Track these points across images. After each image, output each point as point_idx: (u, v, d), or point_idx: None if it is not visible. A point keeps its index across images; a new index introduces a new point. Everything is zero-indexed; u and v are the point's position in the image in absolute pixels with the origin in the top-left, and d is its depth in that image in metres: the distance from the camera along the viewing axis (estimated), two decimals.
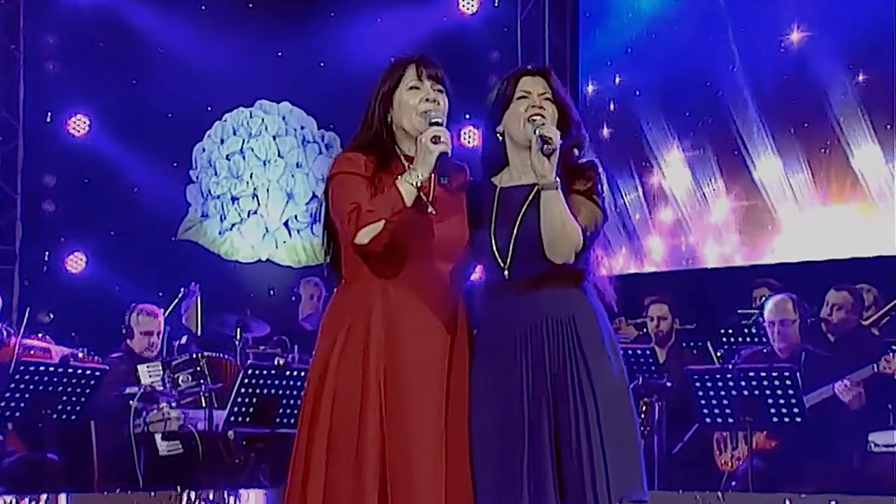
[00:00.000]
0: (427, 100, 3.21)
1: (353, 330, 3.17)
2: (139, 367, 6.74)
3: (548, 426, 3.11)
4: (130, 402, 6.45)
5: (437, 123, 3.14)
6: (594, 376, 3.13)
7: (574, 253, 3.14)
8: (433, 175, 3.21)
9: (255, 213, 9.89)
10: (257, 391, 6.29)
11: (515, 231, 3.18)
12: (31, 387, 6.07)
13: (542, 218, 3.12)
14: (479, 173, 3.37)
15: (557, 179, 3.11)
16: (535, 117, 3.20)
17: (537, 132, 3.12)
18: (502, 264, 3.18)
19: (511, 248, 3.18)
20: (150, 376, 6.73)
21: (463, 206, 3.28)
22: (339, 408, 3.14)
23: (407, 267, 3.18)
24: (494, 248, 3.19)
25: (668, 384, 6.51)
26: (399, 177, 3.11)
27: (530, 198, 3.18)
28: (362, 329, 3.16)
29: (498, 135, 3.29)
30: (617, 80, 9.66)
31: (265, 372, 6.34)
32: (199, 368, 6.77)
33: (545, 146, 3.08)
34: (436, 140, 3.09)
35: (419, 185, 3.10)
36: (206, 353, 6.99)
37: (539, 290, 3.18)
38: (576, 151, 3.30)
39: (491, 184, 3.31)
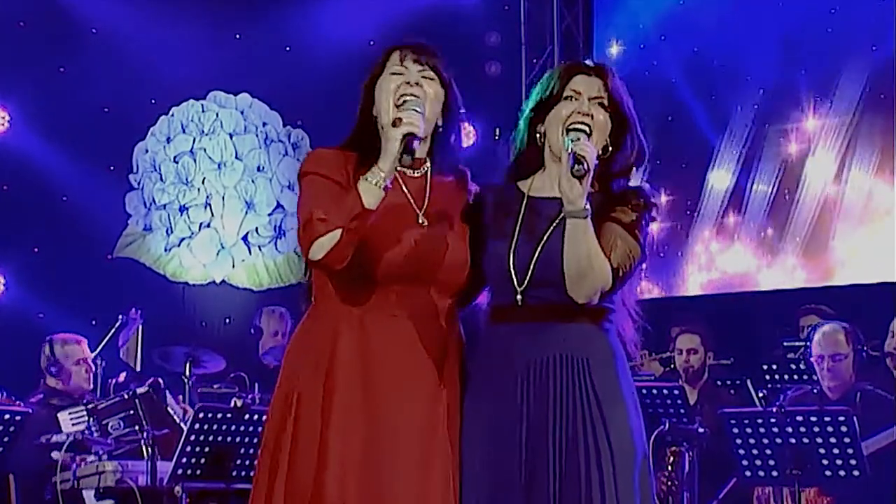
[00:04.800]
0: (408, 83, 3.25)
1: (317, 363, 3.19)
2: (59, 414, 6.73)
3: (551, 484, 3.11)
4: (55, 452, 6.44)
5: (413, 111, 3.17)
6: (611, 430, 3.14)
7: (599, 294, 3.16)
8: (426, 179, 3.25)
9: (208, 225, 9.90)
10: (210, 438, 6.29)
11: (538, 252, 3.20)
12: None
13: (566, 251, 3.13)
14: (504, 173, 3.39)
15: (588, 207, 3.11)
16: (577, 125, 3.21)
17: (570, 149, 3.13)
18: (518, 287, 3.20)
19: (531, 270, 3.20)
20: (72, 424, 6.72)
21: (462, 221, 3.30)
22: (298, 456, 3.15)
23: (386, 291, 3.19)
24: (512, 265, 3.21)
25: (701, 430, 6.52)
26: (361, 177, 3.13)
27: (561, 215, 3.18)
28: (327, 363, 3.18)
29: (538, 134, 3.31)
30: (638, 66, 9.72)
31: (219, 415, 6.33)
32: (132, 411, 6.75)
33: (576, 166, 3.08)
34: (396, 123, 3.12)
35: (384, 181, 3.10)
36: (141, 392, 6.95)
37: (552, 321, 3.20)
38: (632, 173, 3.33)
39: (517, 189, 3.33)
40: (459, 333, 3.31)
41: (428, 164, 3.32)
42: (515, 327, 3.22)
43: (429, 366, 3.20)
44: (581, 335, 3.21)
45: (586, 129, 3.21)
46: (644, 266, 3.34)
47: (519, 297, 3.21)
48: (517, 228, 3.25)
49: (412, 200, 3.25)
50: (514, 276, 3.21)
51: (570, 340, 3.19)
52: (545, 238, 3.21)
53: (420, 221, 3.24)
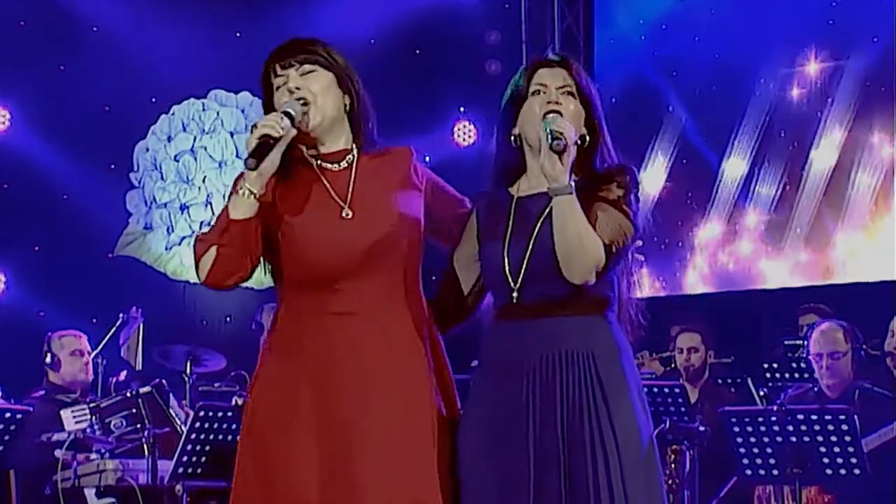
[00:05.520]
0: (289, 90, 3.20)
1: (276, 372, 3.22)
2: (62, 412, 6.75)
3: (560, 482, 3.11)
4: (57, 451, 6.45)
5: (284, 113, 3.13)
6: (617, 424, 3.12)
7: (594, 272, 3.14)
8: (351, 170, 3.22)
9: (209, 224, 9.89)
10: (211, 437, 6.30)
11: (530, 247, 3.20)
12: None
13: (555, 229, 3.13)
14: (490, 181, 3.37)
15: (572, 184, 3.12)
16: (549, 115, 3.21)
17: (547, 128, 3.13)
18: (512, 284, 3.20)
19: (524, 266, 3.20)
20: (75, 422, 6.73)
21: (409, 196, 3.27)
22: (253, 462, 3.19)
23: (329, 290, 3.16)
24: (506, 265, 3.21)
25: (701, 429, 6.52)
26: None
27: (548, 208, 3.19)
28: (283, 371, 3.20)
29: (513, 138, 3.30)
30: (640, 65, 9.73)
31: (220, 414, 6.34)
32: (134, 410, 6.76)
33: (555, 142, 3.09)
34: (252, 129, 3.10)
35: (249, 191, 3.07)
36: (144, 392, 6.97)
37: (553, 316, 3.19)
38: (606, 154, 3.32)
39: (507, 194, 3.33)
40: (428, 318, 3.27)
41: (354, 151, 3.28)
42: (518, 325, 3.21)
43: (391, 358, 3.17)
44: (584, 329, 3.19)
45: (559, 115, 3.21)
46: (643, 260, 3.33)
47: (515, 294, 3.20)
48: (509, 229, 3.25)
49: (334, 195, 3.21)
50: (508, 276, 3.21)
51: (574, 335, 3.18)
52: (536, 231, 3.21)
53: (344, 215, 3.19)
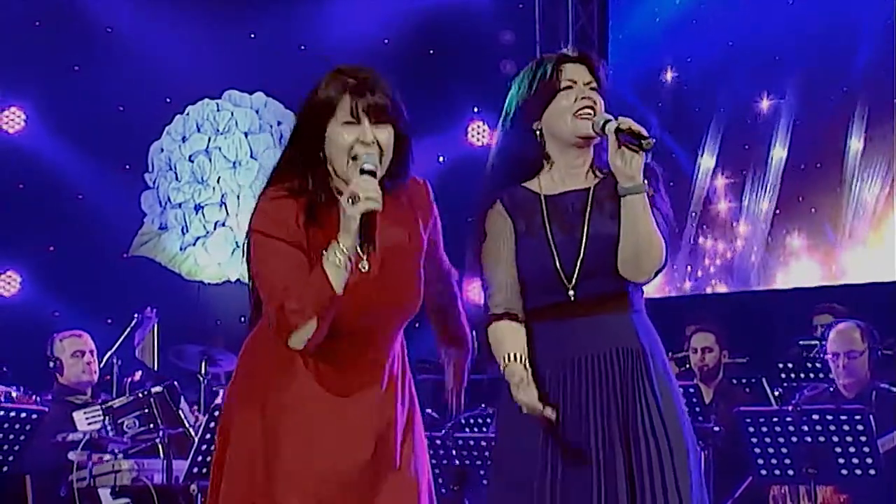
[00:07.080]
0: (362, 142, 3.05)
1: (263, 416, 3.15)
2: (74, 413, 6.76)
3: (625, 482, 3.11)
4: (71, 453, 6.46)
5: (368, 172, 3.00)
6: (667, 419, 3.16)
7: (656, 271, 3.17)
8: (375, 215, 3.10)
9: (224, 224, 9.92)
10: None
11: (583, 245, 3.19)
12: None
13: (625, 228, 3.13)
14: (501, 176, 3.34)
15: (646, 182, 3.13)
16: (586, 111, 3.21)
17: (616, 128, 3.12)
18: (567, 283, 3.19)
19: (579, 264, 3.19)
20: (87, 423, 6.74)
21: (419, 244, 3.19)
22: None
23: (333, 341, 3.07)
24: (558, 265, 3.20)
25: (716, 429, 6.52)
26: (324, 253, 2.98)
27: (590, 204, 3.21)
28: (272, 420, 3.13)
29: (536, 132, 3.29)
30: (654, 65, 9.72)
31: None
32: (146, 410, 6.77)
33: (644, 140, 3.08)
34: (353, 199, 2.95)
35: (346, 261, 2.97)
36: (156, 392, 6.97)
37: (602, 313, 3.20)
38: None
39: (529, 191, 3.31)
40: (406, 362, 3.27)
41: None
42: (570, 323, 3.21)
43: (380, 410, 3.15)
44: (631, 325, 3.22)
45: (594, 113, 3.22)
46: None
47: (571, 292, 3.19)
48: (548, 229, 3.24)
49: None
50: (562, 274, 3.19)
51: (625, 331, 3.20)
52: (586, 229, 3.20)
53: (361, 267, 3.07)
